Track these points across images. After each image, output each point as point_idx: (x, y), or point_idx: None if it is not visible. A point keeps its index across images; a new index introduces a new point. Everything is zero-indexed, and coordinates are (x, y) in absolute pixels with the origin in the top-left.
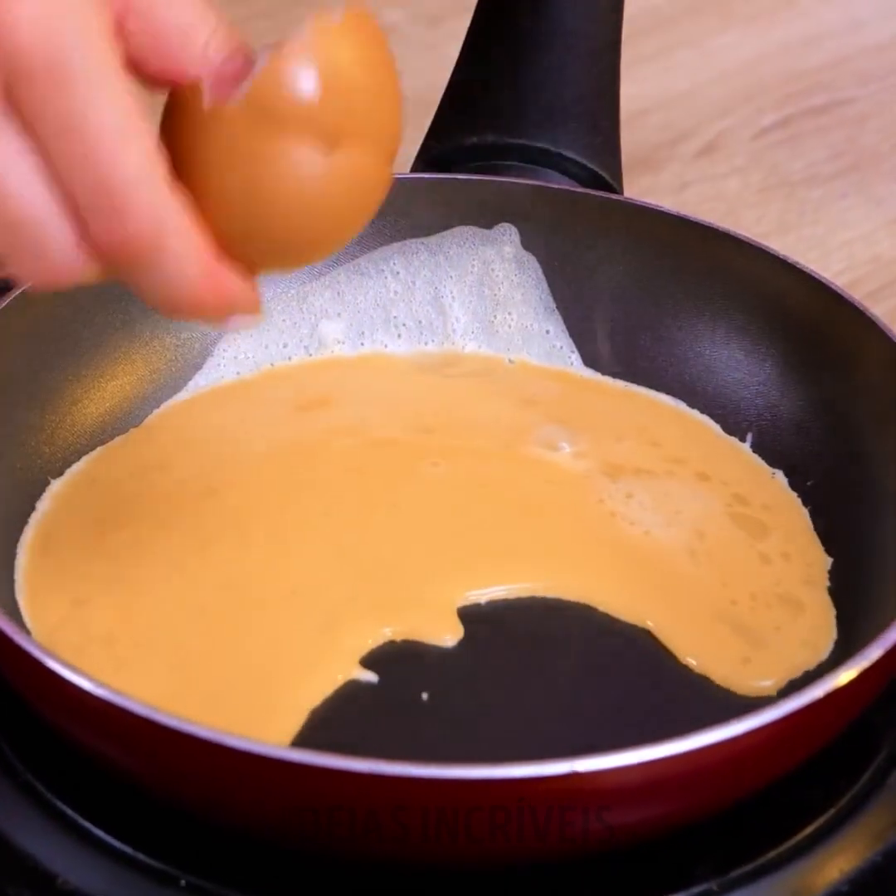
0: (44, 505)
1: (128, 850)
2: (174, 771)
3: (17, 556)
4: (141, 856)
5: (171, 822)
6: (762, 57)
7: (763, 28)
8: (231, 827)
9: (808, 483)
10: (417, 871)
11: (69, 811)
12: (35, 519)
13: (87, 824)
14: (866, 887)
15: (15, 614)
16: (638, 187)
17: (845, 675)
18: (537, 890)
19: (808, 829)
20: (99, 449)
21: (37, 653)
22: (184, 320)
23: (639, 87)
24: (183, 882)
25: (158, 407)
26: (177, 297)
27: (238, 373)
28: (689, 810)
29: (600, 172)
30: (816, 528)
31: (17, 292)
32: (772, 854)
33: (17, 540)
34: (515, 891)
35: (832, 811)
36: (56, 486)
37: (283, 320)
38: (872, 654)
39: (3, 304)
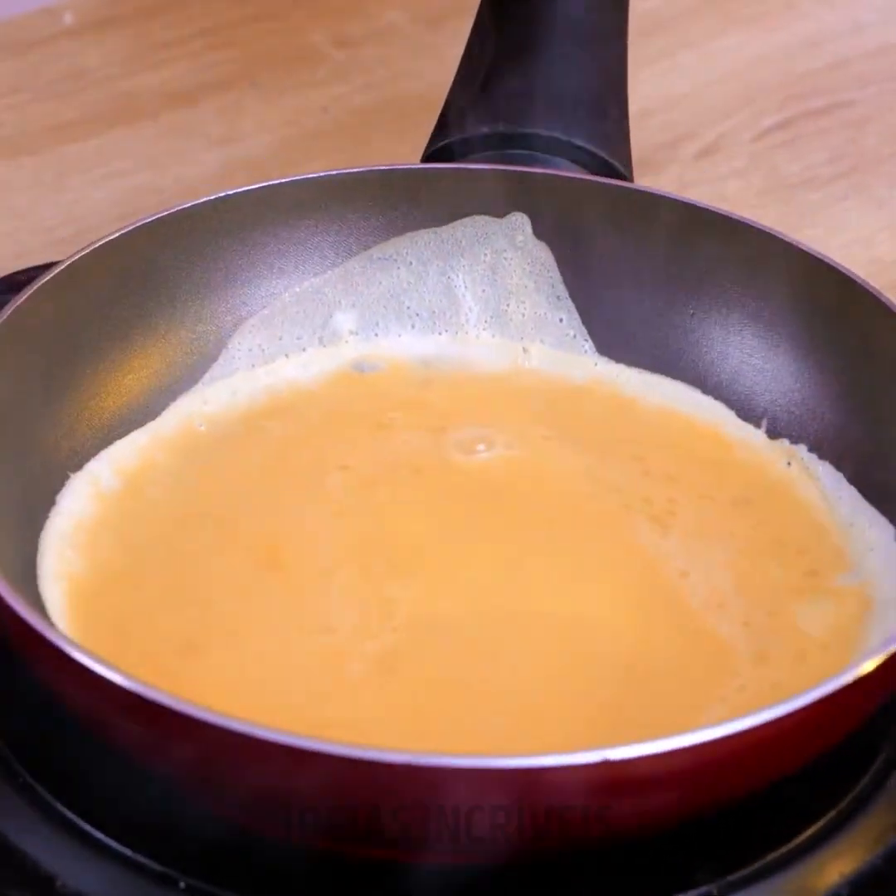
0: (78, 506)
1: (127, 852)
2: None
3: (40, 552)
4: (140, 858)
5: (171, 825)
6: (762, 59)
7: (763, 30)
8: (227, 817)
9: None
10: (417, 869)
11: (69, 813)
12: (62, 519)
13: (86, 826)
14: (866, 890)
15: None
16: None
17: (868, 664)
18: (538, 892)
19: (808, 832)
20: (123, 447)
21: (75, 652)
22: None
23: (639, 88)
24: (182, 884)
25: (174, 399)
26: None
27: (252, 365)
28: (708, 800)
29: (611, 161)
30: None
31: (33, 288)
32: (772, 857)
33: (38, 534)
34: (516, 893)
35: (832, 814)
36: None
37: (297, 312)
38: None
39: (20, 300)
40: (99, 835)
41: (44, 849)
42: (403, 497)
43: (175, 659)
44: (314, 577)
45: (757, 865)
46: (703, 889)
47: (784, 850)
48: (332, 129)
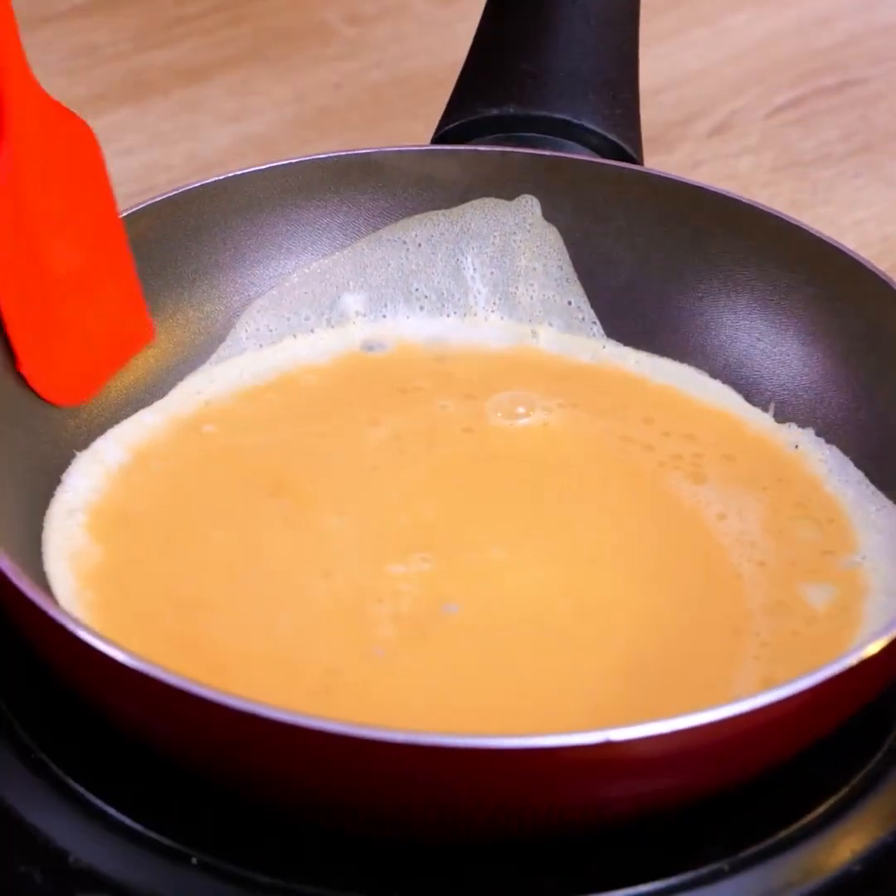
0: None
1: (140, 828)
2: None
3: (45, 529)
4: (153, 834)
5: (183, 801)
6: (775, 36)
7: (776, 7)
8: (241, 793)
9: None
10: (430, 847)
11: (81, 789)
12: (68, 497)
13: (99, 802)
14: (878, 867)
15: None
16: (651, 166)
17: (873, 646)
18: (547, 867)
19: (820, 809)
20: (129, 425)
21: (74, 627)
22: None
23: (651, 65)
24: (194, 860)
25: (181, 379)
26: None
27: (260, 345)
28: (715, 780)
29: (621, 144)
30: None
31: None
32: (783, 834)
33: (44, 512)
34: (526, 867)
35: (844, 791)
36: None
37: (305, 293)
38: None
39: None
40: (112, 811)
41: (56, 824)
42: (448, 457)
43: (182, 623)
44: (329, 526)
45: (768, 842)
46: (715, 865)
47: (796, 827)
48: (343, 106)
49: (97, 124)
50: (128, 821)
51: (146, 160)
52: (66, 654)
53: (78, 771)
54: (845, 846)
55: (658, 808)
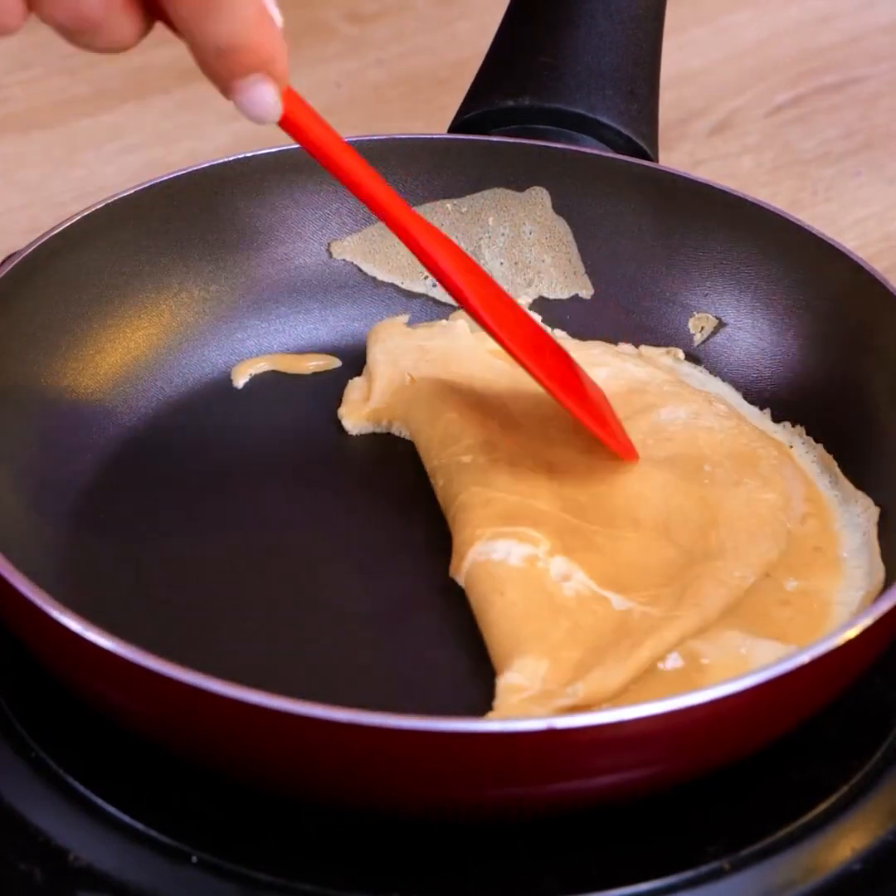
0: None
1: (140, 826)
2: (205, 732)
3: None
4: (153, 832)
5: (183, 799)
6: (775, 35)
7: (776, 6)
8: (237, 780)
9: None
10: (423, 845)
11: (81, 788)
12: None
13: (99, 801)
14: (879, 865)
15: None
16: None
17: (851, 631)
18: (547, 866)
19: (820, 808)
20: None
21: (72, 624)
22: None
23: None
24: (194, 858)
25: (184, 357)
26: (232, 34)
27: None
28: (689, 766)
29: (635, 139)
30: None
31: (41, 240)
32: (783, 832)
33: None
34: (526, 866)
35: (844, 789)
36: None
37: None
38: (881, 607)
39: (28, 252)
40: (112, 809)
41: (56, 823)
42: None
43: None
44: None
45: (769, 841)
46: (715, 864)
47: (796, 825)
48: (344, 105)
49: (98, 123)
50: (128, 819)
51: (147, 159)
52: (29, 625)
53: (78, 769)
54: (846, 844)
55: (623, 796)
